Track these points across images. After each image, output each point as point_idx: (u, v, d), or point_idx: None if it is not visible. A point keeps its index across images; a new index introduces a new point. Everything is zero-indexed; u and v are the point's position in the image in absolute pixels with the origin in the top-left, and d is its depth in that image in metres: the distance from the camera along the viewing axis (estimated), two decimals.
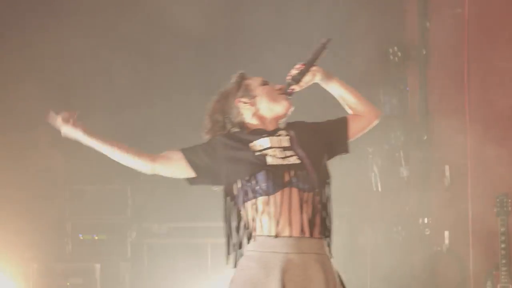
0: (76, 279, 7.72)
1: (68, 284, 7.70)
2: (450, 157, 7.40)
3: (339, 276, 3.39)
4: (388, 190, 7.80)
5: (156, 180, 8.32)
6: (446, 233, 7.36)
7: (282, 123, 3.54)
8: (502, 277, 6.58)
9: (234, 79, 3.60)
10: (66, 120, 3.54)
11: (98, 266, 7.72)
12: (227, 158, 3.41)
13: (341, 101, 3.58)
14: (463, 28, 7.27)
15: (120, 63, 8.43)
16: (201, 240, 7.87)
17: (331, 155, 3.53)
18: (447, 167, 7.40)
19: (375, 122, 3.59)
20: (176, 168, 3.48)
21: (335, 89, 3.56)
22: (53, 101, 8.64)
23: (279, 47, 8.39)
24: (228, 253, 3.43)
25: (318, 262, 3.30)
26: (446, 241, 7.32)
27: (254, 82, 3.57)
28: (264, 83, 3.57)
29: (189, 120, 8.32)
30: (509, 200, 6.70)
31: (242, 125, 3.54)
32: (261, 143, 3.41)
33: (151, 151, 3.62)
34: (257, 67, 4.05)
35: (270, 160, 3.35)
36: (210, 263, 7.86)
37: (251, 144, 3.41)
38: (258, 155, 3.37)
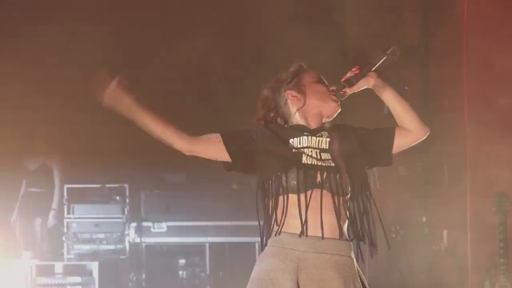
0: (74, 277, 7.71)
1: (66, 282, 7.70)
2: (448, 157, 7.40)
3: (361, 281, 3.34)
4: (387, 188, 7.80)
5: (154, 179, 8.34)
6: (445, 232, 7.36)
7: (327, 123, 3.48)
8: (500, 276, 6.58)
9: (291, 68, 3.54)
10: (114, 88, 3.36)
11: (96, 264, 7.71)
12: (264, 151, 3.38)
13: (392, 111, 3.51)
14: (462, 27, 7.27)
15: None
16: (200, 239, 7.86)
17: (372, 164, 3.49)
18: (445, 166, 7.40)
19: (421, 139, 3.52)
20: (214, 151, 3.43)
21: (388, 98, 3.49)
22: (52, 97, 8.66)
23: (276, 47, 8.40)
24: (262, 247, 3.40)
25: (337, 264, 3.28)
26: (445, 240, 7.32)
27: (308, 78, 3.50)
28: (318, 81, 3.50)
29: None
30: (507, 200, 6.70)
31: (287, 118, 3.49)
32: (300, 141, 3.38)
33: None
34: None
35: (304, 159, 3.33)
36: (209, 262, 7.86)
37: (290, 140, 3.38)
38: (294, 152, 3.34)
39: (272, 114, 3.49)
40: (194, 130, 3.44)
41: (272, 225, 3.34)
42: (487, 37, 7.17)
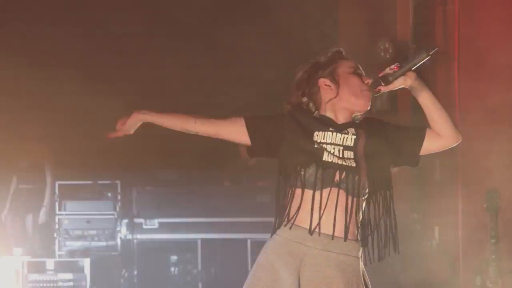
0: (65, 274, 7.70)
1: (58, 279, 7.69)
2: (440, 152, 7.39)
3: (364, 282, 3.33)
4: None
5: (145, 175, 8.33)
6: (436, 229, 7.36)
7: (357, 116, 3.39)
8: (492, 272, 6.58)
9: (330, 53, 3.44)
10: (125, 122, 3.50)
11: (87, 261, 7.70)
12: (287, 142, 3.34)
13: (426, 114, 3.41)
14: (454, 24, 7.27)
15: None
16: (191, 235, 7.86)
17: (398, 164, 3.42)
18: (437, 162, 7.40)
19: (451, 146, 3.46)
20: (237, 134, 3.39)
21: (424, 101, 3.37)
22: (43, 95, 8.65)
23: (271, 45, 8.40)
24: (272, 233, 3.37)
25: (342, 263, 3.27)
26: (436, 237, 7.33)
27: (344, 67, 3.40)
28: (354, 72, 3.39)
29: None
30: (499, 196, 6.70)
31: (318, 105, 3.40)
32: (324, 136, 3.32)
33: None
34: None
35: (325, 157, 3.28)
36: (201, 258, 7.85)
37: (315, 133, 3.32)
38: (316, 148, 3.29)
39: (305, 99, 3.41)
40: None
41: (284, 216, 3.31)
42: (480, 35, 7.18)
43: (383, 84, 3.35)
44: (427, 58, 3.35)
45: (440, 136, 3.41)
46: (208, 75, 8.78)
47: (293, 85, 3.45)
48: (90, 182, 8.17)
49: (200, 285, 7.84)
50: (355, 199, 3.28)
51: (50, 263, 7.79)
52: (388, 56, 7.58)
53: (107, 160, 8.69)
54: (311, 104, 3.40)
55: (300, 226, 3.28)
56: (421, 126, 3.44)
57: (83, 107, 8.80)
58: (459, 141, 3.47)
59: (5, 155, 8.62)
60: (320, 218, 3.25)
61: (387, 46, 7.60)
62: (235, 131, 3.39)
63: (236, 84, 8.30)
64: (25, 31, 8.69)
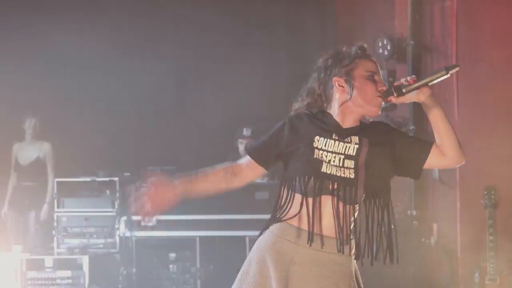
0: (64, 271, 7.70)
1: (57, 276, 7.69)
2: None
3: (357, 280, 3.36)
4: None
5: (144, 172, 8.31)
6: (435, 226, 7.37)
7: (364, 119, 3.37)
8: (490, 269, 6.58)
9: (353, 48, 3.38)
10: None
11: (86, 258, 7.70)
12: (287, 153, 3.34)
13: (434, 132, 3.39)
14: (452, 20, 7.27)
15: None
16: (190, 233, 7.86)
17: (400, 173, 3.39)
18: None
19: (453, 167, 3.43)
20: (253, 174, 3.46)
21: (434, 118, 3.35)
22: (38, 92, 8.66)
23: (269, 41, 8.39)
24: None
25: (333, 262, 3.28)
26: (435, 234, 7.33)
27: (362, 70, 3.34)
28: (370, 77, 3.33)
29: None
30: (497, 193, 6.70)
31: (328, 100, 3.37)
32: (325, 143, 3.30)
33: None
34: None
35: (324, 168, 3.28)
36: (199, 256, 7.85)
37: (316, 138, 3.30)
38: (315, 158, 3.28)
39: (318, 91, 3.37)
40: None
41: (279, 215, 3.33)
42: (477, 31, 7.18)
43: (395, 95, 3.30)
44: (446, 76, 3.31)
45: (444, 156, 3.38)
46: (206, 81, 8.81)
47: (313, 73, 3.41)
48: (88, 179, 8.17)
49: (198, 282, 7.84)
50: (349, 206, 3.29)
51: (48, 261, 7.79)
52: (386, 53, 7.58)
53: (105, 157, 8.70)
54: (322, 94, 3.38)
55: (292, 225, 3.29)
56: (429, 140, 3.41)
57: (83, 105, 8.81)
58: (463, 163, 3.43)
59: (6, 153, 8.62)
60: (313, 220, 3.26)
61: (385, 42, 7.60)
62: (251, 174, 3.45)
63: (231, 90, 8.34)
64: (24, 28, 8.69)
